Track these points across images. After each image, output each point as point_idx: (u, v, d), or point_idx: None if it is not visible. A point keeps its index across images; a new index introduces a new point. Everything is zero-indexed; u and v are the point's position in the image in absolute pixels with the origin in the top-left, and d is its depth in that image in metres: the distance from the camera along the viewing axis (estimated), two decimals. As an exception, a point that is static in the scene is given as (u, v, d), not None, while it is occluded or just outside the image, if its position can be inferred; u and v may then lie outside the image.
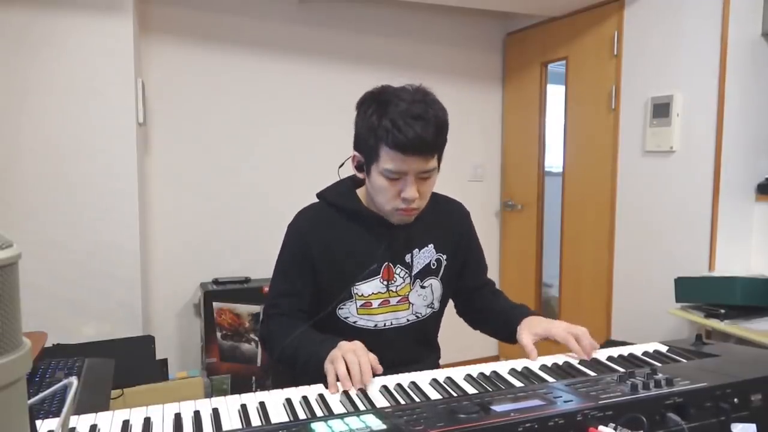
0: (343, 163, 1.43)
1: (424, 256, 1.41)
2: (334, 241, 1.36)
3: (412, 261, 1.39)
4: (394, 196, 1.27)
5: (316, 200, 1.44)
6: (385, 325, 1.38)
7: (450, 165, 3.52)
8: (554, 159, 3.47)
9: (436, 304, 1.45)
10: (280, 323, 1.34)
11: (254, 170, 3.09)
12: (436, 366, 1.53)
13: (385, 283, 1.36)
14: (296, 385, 1.08)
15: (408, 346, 1.42)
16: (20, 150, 2.34)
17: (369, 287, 1.36)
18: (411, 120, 1.19)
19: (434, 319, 1.47)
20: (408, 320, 1.40)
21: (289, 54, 3.13)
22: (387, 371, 1.12)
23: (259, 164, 3.09)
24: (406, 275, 1.38)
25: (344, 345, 1.16)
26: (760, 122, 2.43)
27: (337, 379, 1.08)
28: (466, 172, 3.65)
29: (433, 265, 1.42)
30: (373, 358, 1.12)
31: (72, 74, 2.38)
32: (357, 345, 1.16)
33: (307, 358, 1.22)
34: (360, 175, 1.34)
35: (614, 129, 2.89)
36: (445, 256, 1.43)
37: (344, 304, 1.36)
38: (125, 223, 2.50)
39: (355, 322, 1.37)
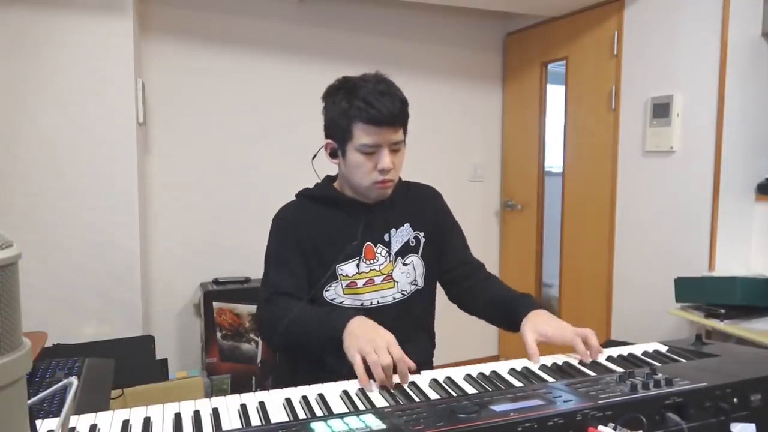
0: (315, 154, 1.51)
1: (402, 234, 1.47)
2: (315, 227, 1.43)
3: (390, 239, 1.45)
4: (370, 170, 1.36)
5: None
6: (371, 304, 1.42)
7: (450, 165, 3.57)
8: (554, 159, 3.47)
9: (420, 281, 1.48)
10: (282, 303, 1.34)
11: (254, 170, 3.09)
12: (429, 350, 1.55)
13: (369, 262, 1.42)
14: (296, 384, 1.08)
15: (397, 325, 1.42)
16: (20, 150, 2.34)
17: (352, 267, 1.41)
18: (379, 96, 1.32)
19: (420, 298, 1.48)
20: (394, 298, 1.45)
21: (289, 54, 3.13)
22: None
23: (259, 164, 3.10)
24: (387, 254, 1.44)
25: (372, 332, 1.15)
26: (760, 122, 2.43)
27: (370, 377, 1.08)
28: (466, 172, 3.65)
29: (412, 242, 1.48)
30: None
31: (72, 74, 2.38)
32: (388, 338, 1.14)
33: (319, 327, 1.23)
34: (334, 162, 1.45)
35: (614, 129, 2.89)
36: (422, 234, 1.49)
37: (330, 286, 1.41)
38: (125, 223, 2.50)
39: (342, 303, 1.41)
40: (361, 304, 1.42)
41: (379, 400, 1.01)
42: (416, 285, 1.48)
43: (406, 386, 1.07)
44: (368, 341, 1.12)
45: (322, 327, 1.23)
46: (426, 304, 1.52)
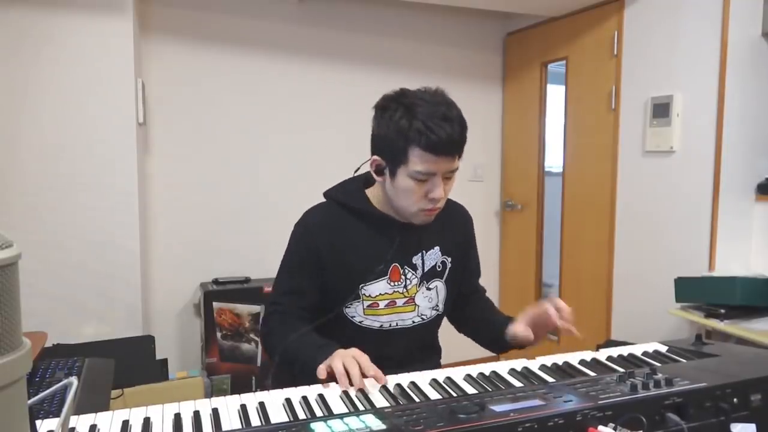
0: (358, 168, 1.43)
1: (431, 258, 1.42)
2: (342, 241, 1.36)
3: (419, 262, 1.40)
4: (420, 198, 1.28)
5: (323, 200, 1.45)
6: (390, 326, 1.39)
7: (450, 165, 3.54)
8: (554, 159, 3.47)
9: (441, 307, 1.45)
10: (281, 322, 1.34)
11: (254, 170, 3.09)
12: (438, 364, 1.54)
13: (393, 284, 1.37)
14: (296, 385, 1.08)
15: (411, 348, 1.43)
16: (20, 150, 2.34)
17: (376, 288, 1.36)
18: (440, 121, 1.21)
19: (438, 322, 1.48)
20: (413, 322, 1.41)
21: (289, 54, 3.13)
22: (389, 372, 1.12)
23: (259, 164, 3.10)
24: (414, 277, 1.39)
25: (341, 350, 1.17)
26: (760, 122, 2.43)
27: (335, 381, 1.08)
28: (466, 172, 3.65)
29: (439, 267, 1.43)
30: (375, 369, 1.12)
31: (72, 74, 2.38)
32: (354, 350, 1.16)
33: (305, 361, 1.22)
34: (379, 179, 1.34)
35: (614, 129, 2.89)
36: (450, 259, 1.45)
37: (351, 304, 1.37)
38: (125, 223, 2.50)
39: (360, 322, 1.38)
40: (380, 326, 1.38)
41: (379, 400, 1.01)
42: (437, 310, 1.45)
43: (405, 386, 1.07)
44: (336, 356, 1.13)
45: (308, 360, 1.21)
46: (439, 326, 1.52)
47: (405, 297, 1.38)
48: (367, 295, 1.36)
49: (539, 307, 1.34)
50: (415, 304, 1.40)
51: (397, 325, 1.39)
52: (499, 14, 3.60)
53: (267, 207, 3.08)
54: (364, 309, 1.37)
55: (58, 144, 2.38)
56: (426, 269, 1.41)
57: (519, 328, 1.37)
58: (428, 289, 1.41)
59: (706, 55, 2.42)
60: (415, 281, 1.39)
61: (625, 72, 2.83)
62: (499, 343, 1.44)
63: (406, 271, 1.38)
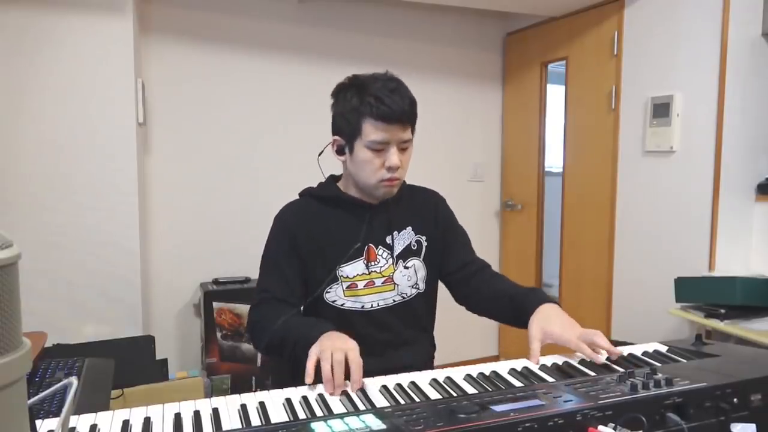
0: (322, 151, 1.52)
1: (404, 237, 1.47)
2: (317, 227, 1.42)
3: (392, 242, 1.45)
4: (378, 168, 1.36)
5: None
6: (372, 306, 1.42)
7: (450, 165, 3.57)
8: (554, 159, 3.47)
9: (421, 285, 1.48)
10: (269, 309, 1.35)
11: (254, 170, 3.09)
12: (430, 351, 1.55)
13: (370, 264, 1.42)
14: (296, 384, 1.08)
15: (398, 328, 1.45)
16: (20, 150, 2.34)
17: (353, 269, 1.41)
18: (390, 93, 1.33)
19: (421, 301, 1.48)
20: (394, 300, 1.45)
21: (289, 54, 3.13)
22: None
23: (259, 164, 3.10)
24: (389, 256, 1.44)
25: (337, 340, 1.15)
26: (760, 122, 2.43)
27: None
28: (466, 172, 3.65)
29: (414, 246, 1.48)
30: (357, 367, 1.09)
31: (72, 74, 2.38)
32: (350, 344, 1.14)
33: (297, 340, 1.22)
34: (341, 158, 1.44)
35: (614, 129, 2.89)
36: (424, 238, 1.49)
37: (331, 288, 1.41)
38: (125, 223, 2.50)
39: (342, 305, 1.41)
40: (362, 307, 1.42)
41: (379, 400, 1.01)
42: (417, 288, 1.48)
43: (405, 386, 1.07)
44: (328, 345, 1.12)
45: (301, 340, 1.21)
46: (427, 307, 1.52)
47: (383, 276, 1.43)
48: (345, 276, 1.41)
49: (570, 339, 1.20)
50: (394, 283, 1.44)
51: (378, 305, 1.43)
52: (499, 14, 3.60)
53: (267, 206, 3.04)
54: (343, 291, 1.41)
55: (58, 144, 2.38)
56: (400, 249, 1.46)
57: (534, 345, 1.23)
58: (406, 267, 1.46)
59: (706, 55, 2.43)
60: (390, 261, 1.44)
61: (625, 72, 2.83)
62: (521, 321, 1.34)
63: (381, 250, 1.43)
